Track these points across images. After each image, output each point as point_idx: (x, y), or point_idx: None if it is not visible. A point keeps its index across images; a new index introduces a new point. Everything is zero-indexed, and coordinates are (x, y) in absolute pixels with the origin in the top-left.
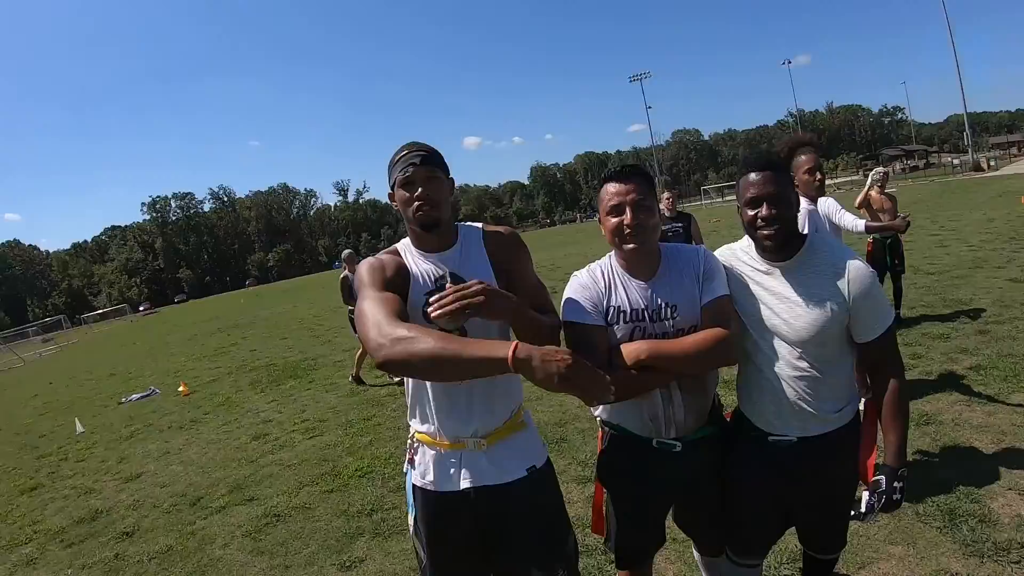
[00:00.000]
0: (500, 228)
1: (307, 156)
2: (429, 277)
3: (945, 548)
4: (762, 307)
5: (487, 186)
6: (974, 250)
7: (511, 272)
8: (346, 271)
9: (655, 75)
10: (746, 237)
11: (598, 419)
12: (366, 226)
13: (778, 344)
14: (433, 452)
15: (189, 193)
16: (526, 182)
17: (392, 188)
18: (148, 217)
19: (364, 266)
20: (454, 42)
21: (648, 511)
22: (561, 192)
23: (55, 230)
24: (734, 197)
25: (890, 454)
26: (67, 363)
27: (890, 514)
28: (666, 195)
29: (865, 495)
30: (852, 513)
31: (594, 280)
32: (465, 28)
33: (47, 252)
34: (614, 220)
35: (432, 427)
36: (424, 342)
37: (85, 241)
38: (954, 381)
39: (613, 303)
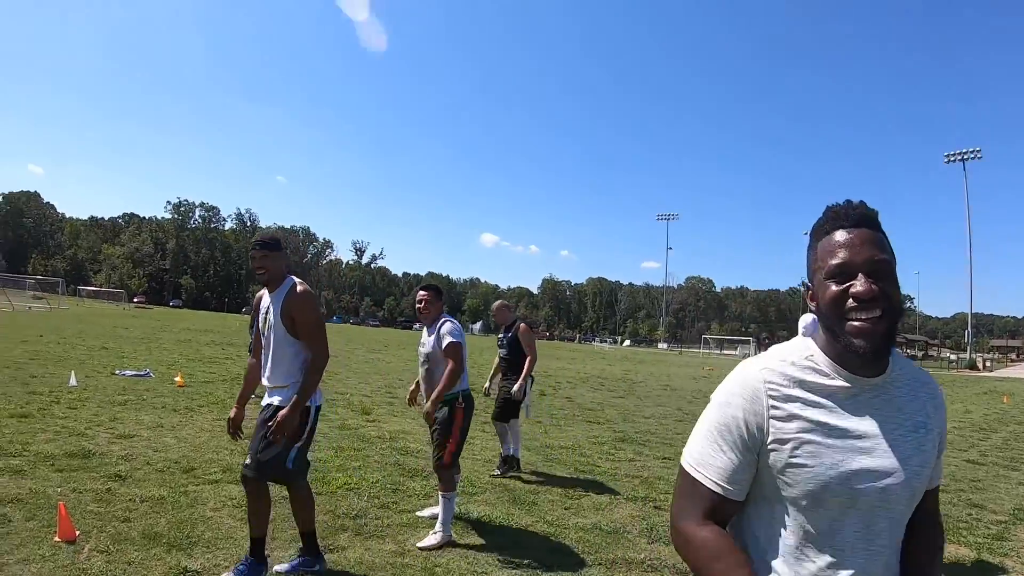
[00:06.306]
0: (295, 293)
1: (328, 206)
2: (263, 306)
3: None
4: (836, 450)
5: (496, 285)
6: None
7: (294, 319)
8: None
9: (680, 217)
10: (799, 339)
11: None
12: (371, 291)
13: (859, 508)
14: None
15: (215, 207)
16: (535, 291)
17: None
18: (169, 216)
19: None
20: (490, 141)
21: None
22: (567, 309)
23: (74, 196)
24: (733, 351)
25: None
26: (57, 324)
27: None
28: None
29: None
30: None
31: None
32: (507, 133)
33: (62, 215)
34: None
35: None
36: None
37: (102, 218)
38: None
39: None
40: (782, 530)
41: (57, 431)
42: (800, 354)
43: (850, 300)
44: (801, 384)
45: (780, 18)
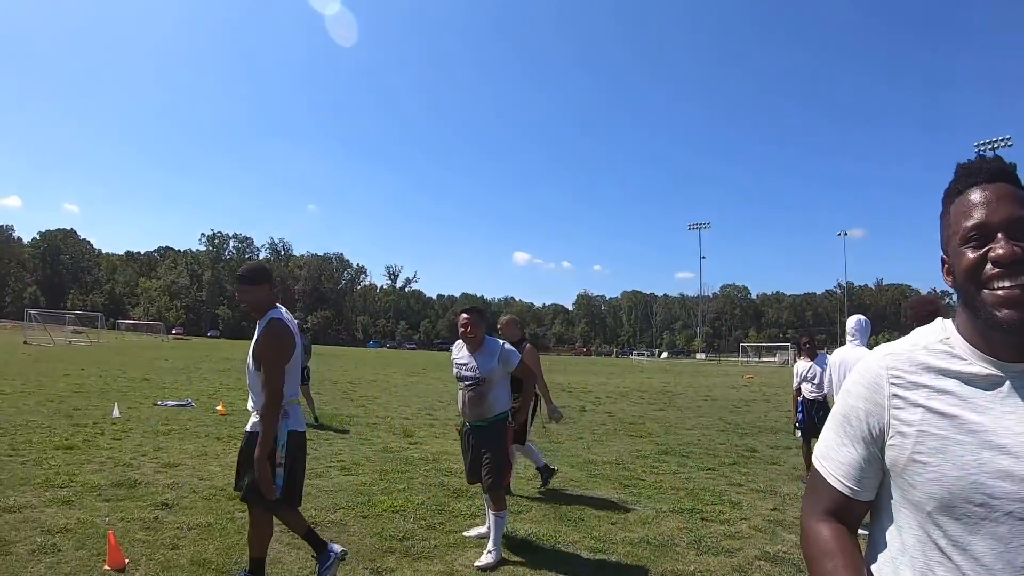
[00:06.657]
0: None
1: (360, 233)
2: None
3: None
4: (968, 448)
5: (531, 303)
6: None
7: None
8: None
9: (711, 226)
10: (939, 321)
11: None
12: (406, 314)
13: (997, 520)
14: (296, 409)
15: (249, 237)
16: (570, 307)
17: None
18: (204, 248)
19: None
20: (518, 162)
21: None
22: (602, 324)
23: (110, 232)
24: (772, 358)
25: None
26: (97, 357)
27: None
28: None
29: None
30: None
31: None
32: (535, 153)
33: (99, 251)
34: None
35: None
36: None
37: (138, 252)
38: None
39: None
40: (906, 542)
41: (103, 462)
42: (935, 336)
43: (989, 266)
44: (930, 370)
45: (807, 18)
